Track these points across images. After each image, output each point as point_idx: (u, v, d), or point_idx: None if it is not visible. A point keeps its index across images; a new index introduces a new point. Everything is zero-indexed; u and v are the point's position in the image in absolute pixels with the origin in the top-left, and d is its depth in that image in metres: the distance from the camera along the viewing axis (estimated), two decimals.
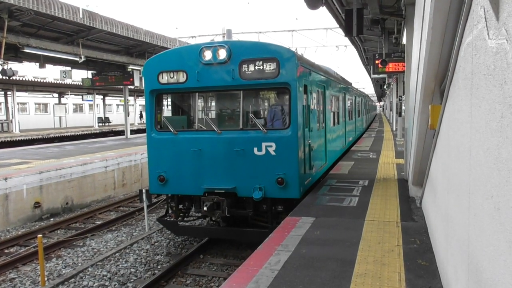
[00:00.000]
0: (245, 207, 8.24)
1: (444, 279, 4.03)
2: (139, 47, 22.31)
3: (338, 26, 14.59)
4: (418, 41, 5.86)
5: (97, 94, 44.25)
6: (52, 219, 12.22)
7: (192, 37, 29.51)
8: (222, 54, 7.90)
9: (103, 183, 14.82)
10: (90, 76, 23.41)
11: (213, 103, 9.91)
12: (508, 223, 1.80)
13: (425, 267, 4.67)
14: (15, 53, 17.55)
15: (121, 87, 26.09)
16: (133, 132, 34.84)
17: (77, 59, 18.97)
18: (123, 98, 27.40)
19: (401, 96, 18.52)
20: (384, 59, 13.91)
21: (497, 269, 1.99)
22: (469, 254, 2.69)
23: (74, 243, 9.88)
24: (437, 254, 4.71)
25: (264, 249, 5.47)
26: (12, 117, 34.07)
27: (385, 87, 40.46)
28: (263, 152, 7.86)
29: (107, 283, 7.54)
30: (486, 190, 2.21)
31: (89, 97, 45.89)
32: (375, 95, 75.18)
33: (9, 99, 35.58)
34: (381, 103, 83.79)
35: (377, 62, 14.21)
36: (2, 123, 36.50)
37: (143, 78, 8.92)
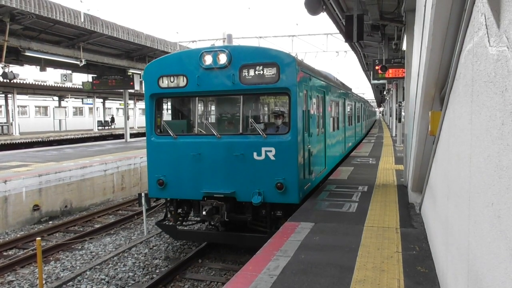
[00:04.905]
0: (244, 212, 8.22)
1: (444, 286, 4.01)
2: (140, 51, 22.36)
3: (338, 31, 14.63)
4: (418, 47, 5.87)
5: (97, 97, 44.27)
6: (51, 222, 12.19)
7: (193, 41, 29.55)
8: (223, 58, 7.92)
9: (102, 187, 14.80)
10: (90, 80, 23.45)
11: (213, 108, 9.92)
12: (508, 231, 1.80)
13: (424, 274, 4.65)
14: (16, 56, 17.60)
15: (121, 90, 26.12)
16: (132, 135, 34.85)
17: (78, 62, 19.01)
18: (123, 102, 27.40)
19: (400, 102, 18.55)
20: (384, 65, 13.93)
21: (497, 277, 1.98)
22: (469, 261, 2.68)
23: (73, 246, 9.85)
24: (437, 261, 4.69)
25: (263, 254, 5.45)
26: (12, 120, 34.08)
27: (384, 93, 40.54)
28: (263, 157, 7.85)
29: (105, 287, 7.51)
30: (486, 197, 2.20)
31: (89, 100, 45.86)
32: (375, 100, 75.31)
33: (10, 102, 35.61)
34: (381, 109, 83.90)
35: (377, 68, 14.24)
36: (2, 126, 36.51)
37: (143, 82, 8.93)
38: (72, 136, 35.43)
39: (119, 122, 49.61)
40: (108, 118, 50.90)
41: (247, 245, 8.63)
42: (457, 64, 3.28)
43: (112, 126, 49.28)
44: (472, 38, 2.64)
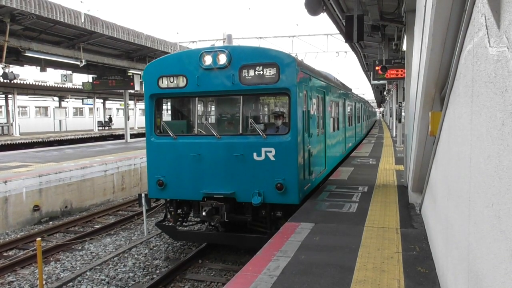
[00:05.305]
0: (244, 213, 8.22)
1: (444, 287, 4.01)
2: (140, 52, 22.36)
3: (338, 32, 14.61)
4: (419, 47, 5.87)
5: (97, 98, 44.28)
6: (51, 223, 12.19)
7: (193, 42, 29.53)
8: (222, 59, 7.92)
9: (102, 187, 14.80)
10: (90, 80, 23.45)
11: (213, 108, 9.92)
12: (509, 231, 1.79)
13: (424, 274, 4.65)
14: (17, 57, 17.59)
15: (121, 91, 26.12)
16: (132, 136, 34.84)
17: (78, 63, 19.01)
18: (123, 102, 27.41)
19: (401, 103, 18.55)
20: (384, 65, 13.94)
21: (497, 277, 1.97)
22: (469, 262, 2.68)
23: (73, 246, 9.85)
24: (437, 261, 4.69)
25: (263, 254, 5.45)
26: (13, 120, 34.09)
27: (385, 93, 40.54)
28: (263, 157, 7.85)
29: (105, 287, 7.51)
30: (486, 197, 2.20)
31: (89, 100, 45.87)
32: (375, 101, 75.30)
33: (10, 102, 35.62)
34: (381, 109, 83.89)
35: (377, 68, 14.24)
36: (2, 126, 36.51)
37: (143, 82, 8.93)
38: (73, 137, 35.42)
39: (119, 122, 49.63)
40: (107, 119, 50.89)
41: (247, 246, 8.63)
42: (457, 64, 3.28)
43: (111, 126, 49.20)
44: (472, 38, 2.64)
